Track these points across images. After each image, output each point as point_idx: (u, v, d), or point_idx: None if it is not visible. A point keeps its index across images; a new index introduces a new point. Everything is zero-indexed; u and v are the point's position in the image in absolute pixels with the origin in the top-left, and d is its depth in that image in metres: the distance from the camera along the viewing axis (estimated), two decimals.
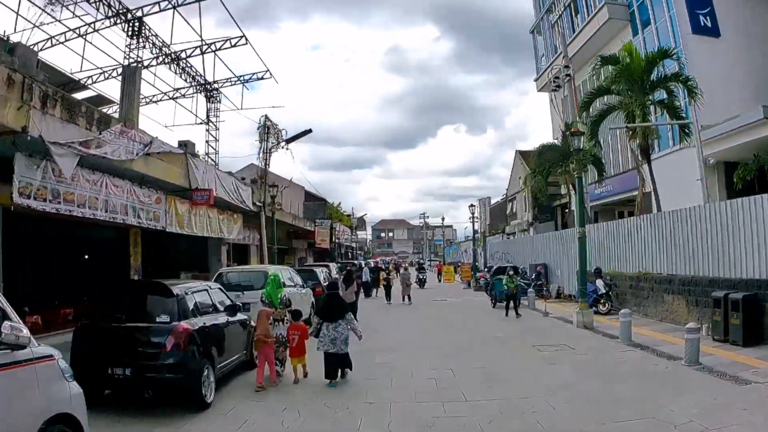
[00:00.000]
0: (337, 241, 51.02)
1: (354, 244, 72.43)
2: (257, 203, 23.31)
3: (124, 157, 13.27)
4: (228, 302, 9.69)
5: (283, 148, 24.49)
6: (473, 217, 39.27)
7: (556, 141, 32.86)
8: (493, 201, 66.64)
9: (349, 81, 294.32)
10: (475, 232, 41.96)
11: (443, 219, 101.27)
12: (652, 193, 18.99)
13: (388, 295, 25.07)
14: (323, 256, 45.20)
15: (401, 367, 10.35)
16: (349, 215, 67.32)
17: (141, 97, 27.38)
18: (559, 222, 43.32)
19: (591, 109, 19.92)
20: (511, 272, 18.38)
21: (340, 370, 9.61)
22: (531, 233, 42.85)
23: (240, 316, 9.89)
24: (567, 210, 39.27)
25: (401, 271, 24.42)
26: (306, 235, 39.27)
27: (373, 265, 30.01)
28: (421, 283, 33.61)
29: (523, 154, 49.89)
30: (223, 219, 20.45)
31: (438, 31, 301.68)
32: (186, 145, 17.81)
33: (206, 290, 9.31)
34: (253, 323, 10.07)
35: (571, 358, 10.80)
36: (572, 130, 15.48)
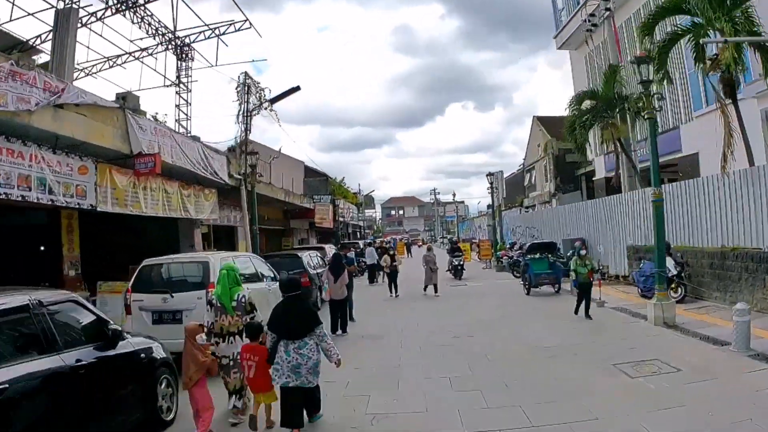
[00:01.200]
0: (342, 219, 47.10)
1: (362, 223, 68.38)
2: (236, 175, 19.34)
3: (12, 107, 9.35)
4: (101, 324, 5.64)
5: (266, 108, 20.40)
6: (492, 188, 34.75)
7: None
8: (506, 175, 62.62)
9: (357, 62, 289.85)
10: (492, 203, 37.57)
11: (454, 195, 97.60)
12: (725, 147, 14.71)
13: (393, 285, 18.93)
14: (329, 238, 41.36)
15: (409, 423, 6.35)
16: (355, 193, 63.07)
17: (101, 58, 23.53)
18: (584, 192, 39.26)
19: (639, 47, 15.73)
20: (583, 251, 12.82)
21: (306, 413, 6.19)
22: (553, 205, 38.73)
23: (130, 345, 5.90)
24: (593, 179, 35.07)
25: (425, 252, 19.00)
26: (307, 214, 35.32)
27: (378, 244, 25.96)
28: (457, 271, 24.44)
29: (541, 120, 45.51)
30: (188, 195, 16.51)
31: (444, 9, 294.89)
32: (125, 99, 13.83)
33: (25, 310, 4.74)
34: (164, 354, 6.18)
35: (684, 389, 6.79)
36: (639, 54, 11.25)
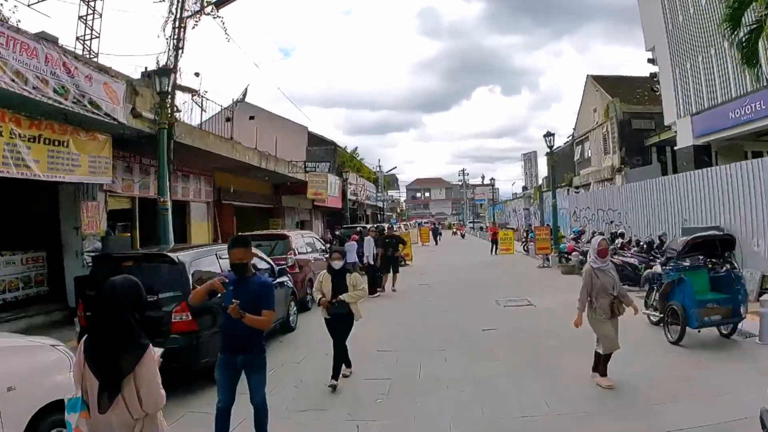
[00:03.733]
0: (354, 198, 39.27)
1: (382, 204, 60.35)
2: (148, 115, 11.71)
3: None
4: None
5: (208, 14, 12.73)
6: (551, 155, 25.48)
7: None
8: (548, 151, 53.90)
9: (382, 45, 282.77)
10: (552, 177, 29.29)
11: (483, 177, 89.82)
12: None
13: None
14: (340, 221, 33.75)
15: None
16: (375, 171, 54.87)
17: None
18: (661, 166, 30.96)
19: None
20: None
21: None
22: (618, 183, 30.51)
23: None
24: (674, 149, 26.72)
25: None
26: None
27: (385, 229, 17.90)
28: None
29: (598, 80, 37.04)
30: (37, 140, 8.99)
31: None
32: None
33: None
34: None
35: None
36: None
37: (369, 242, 15.70)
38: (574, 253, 19.04)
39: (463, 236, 57.26)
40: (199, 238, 18.02)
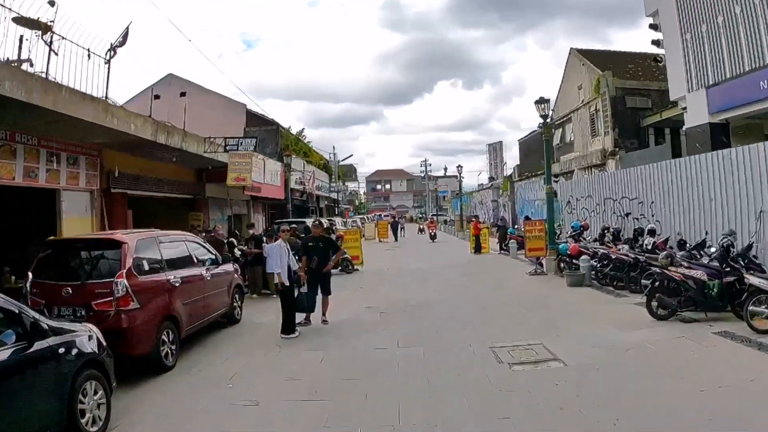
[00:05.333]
0: (303, 188, 33.71)
1: (337, 196, 54.75)
2: None
3: None
4: None
5: None
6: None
7: None
8: (520, 137, 49.18)
9: (345, 38, 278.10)
10: (547, 155, 24.52)
11: (446, 169, 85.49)
12: None
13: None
14: (286, 214, 28.07)
15: None
16: (327, 160, 48.86)
17: None
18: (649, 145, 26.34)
19: None
20: None
21: None
22: (611, 168, 25.72)
23: None
24: (682, 129, 21.95)
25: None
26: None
27: (318, 226, 12.02)
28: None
29: (584, 54, 32.14)
30: None
31: None
32: None
33: None
34: None
35: None
36: None
37: (276, 249, 9.92)
38: (583, 257, 13.89)
39: (433, 237, 39.23)
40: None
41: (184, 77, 29.01)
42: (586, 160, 30.37)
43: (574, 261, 14.36)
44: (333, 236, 15.56)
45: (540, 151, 39.73)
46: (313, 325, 10.18)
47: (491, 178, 64.88)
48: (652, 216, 14.14)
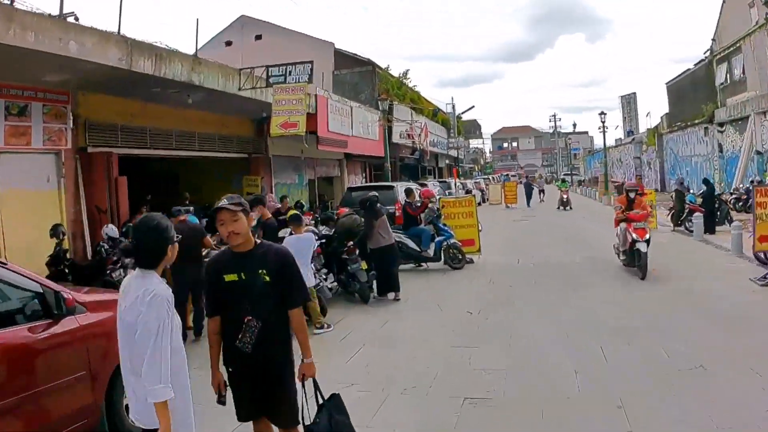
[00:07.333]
0: (412, 144, 29.30)
1: (457, 153, 49.74)
2: None
3: None
4: None
5: None
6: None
7: None
8: (667, 80, 41.34)
9: None
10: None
11: (575, 125, 77.40)
12: None
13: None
14: (387, 174, 24.34)
15: None
16: (439, 110, 43.35)
17: None
18: None
19: None
20: None
21: None
22: None
23: None
24: None
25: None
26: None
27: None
28: None
29: None
30: None
31: None
32: None
33: None
34: None
35: None
36: None
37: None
38: None
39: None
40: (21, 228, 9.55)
41: (258, 18, 25.90)
42: (766, 101, 23.54)
43: None
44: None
45: (695, 95, 32.69)
46: None
47: (629, 132, 56.55)
48: None
